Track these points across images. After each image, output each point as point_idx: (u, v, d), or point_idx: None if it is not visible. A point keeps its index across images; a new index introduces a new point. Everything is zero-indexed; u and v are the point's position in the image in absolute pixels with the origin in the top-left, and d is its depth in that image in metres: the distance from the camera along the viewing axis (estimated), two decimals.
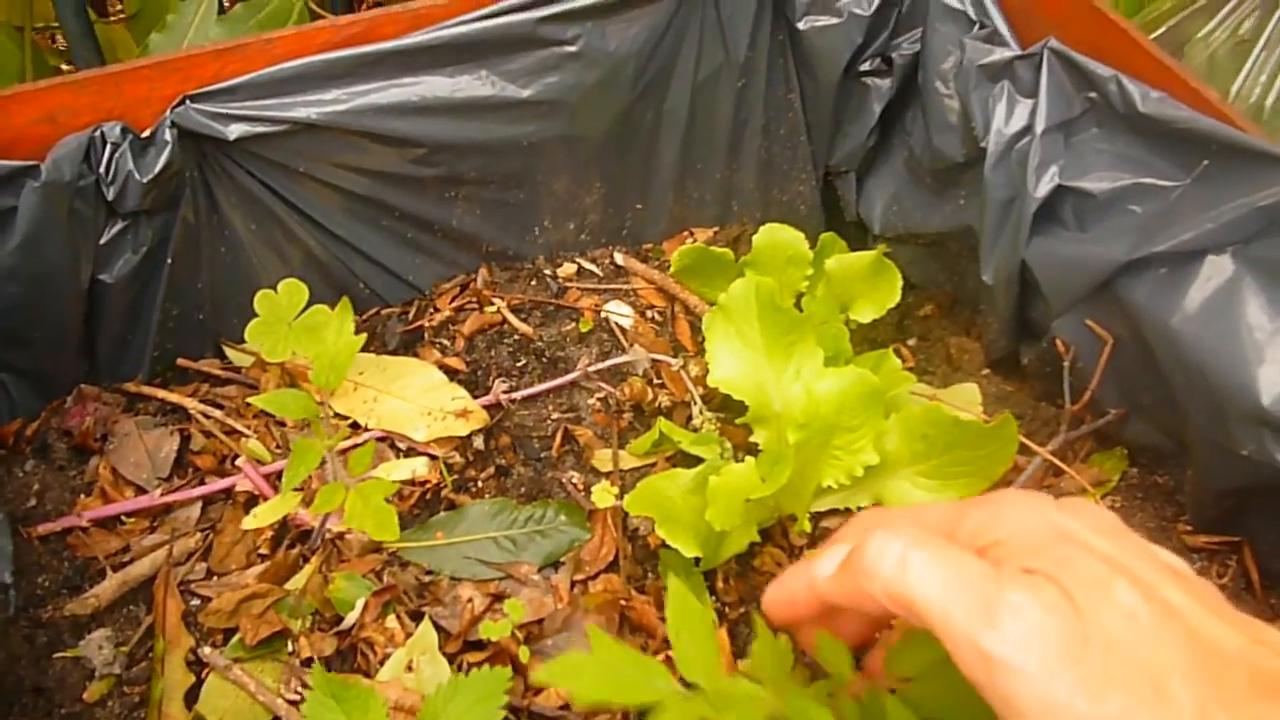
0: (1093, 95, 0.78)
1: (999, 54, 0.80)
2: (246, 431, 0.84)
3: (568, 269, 0.97)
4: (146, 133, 0.76)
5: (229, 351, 0.90)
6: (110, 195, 0.75)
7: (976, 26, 0.83)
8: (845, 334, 0.85)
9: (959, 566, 0.40)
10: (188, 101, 0.76)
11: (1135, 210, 0.76)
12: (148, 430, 0.84)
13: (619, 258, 0.98)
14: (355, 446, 0.80)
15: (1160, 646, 0.36)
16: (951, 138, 0.86)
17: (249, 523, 0.72)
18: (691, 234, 1.01)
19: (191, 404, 0.85)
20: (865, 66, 0.91)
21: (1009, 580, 0.39)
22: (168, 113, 0.76)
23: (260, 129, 0.78)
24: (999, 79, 0.81)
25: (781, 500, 0.75)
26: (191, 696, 0.69)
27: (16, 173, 0.72)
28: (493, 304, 0.93)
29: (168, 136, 0.75)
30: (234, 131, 0.78)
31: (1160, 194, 0.75)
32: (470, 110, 0.83)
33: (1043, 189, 0.78)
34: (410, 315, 0.94)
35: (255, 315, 0.88)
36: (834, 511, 0.80)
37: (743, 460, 0.79)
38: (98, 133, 0.74)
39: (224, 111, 0.77)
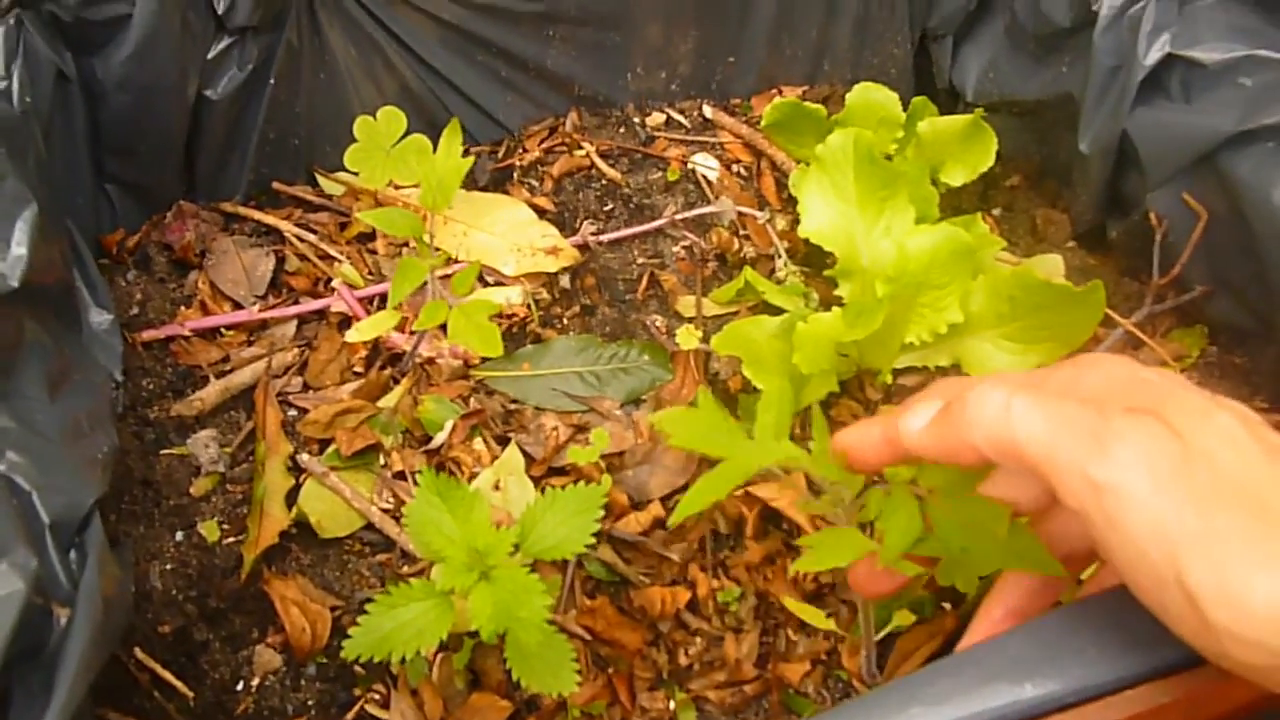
0: None
1: None
2: (339, 256, 0.86)
3: (656, 118, 0.97)
4: None
5: (321, 179, 0.92)
6: (220, 8, 0.76)
7: None
8: (935, 196, 0.85)
9: (1063, 406, 0.39)
10: None
11: (1245, 83, 0.75)
12: (244, 249, 0.86)
13: (708, 110, 0.98)
14: (453, 271, 0.82)
15: (1263, 464, 0.36)
16: (1059, 2, 0.84)
17: (351, 336, 0.74)
18: (780, 91, 1.01)
19: (286, 227, 0.87)
20: None
21: (1113, 415, 0.38)
22: None
23: None
24: None
25: (865, 352, 0.77)
26: (290, 499, 0.72)
27: None
28: (581, 148, 0.94)
29: None
30: None
31: (1273, 66, 0.74)
32: None
33: (1152, 56, 0.77)
34: (500, 154, 0.94)
35: (350, 143, 0.90)
36: (912, 369, 0.81)
37: (828, 312, 0.80)
38: None
39: None
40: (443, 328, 0.68)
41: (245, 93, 0.82)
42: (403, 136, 0.87)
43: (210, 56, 0.79)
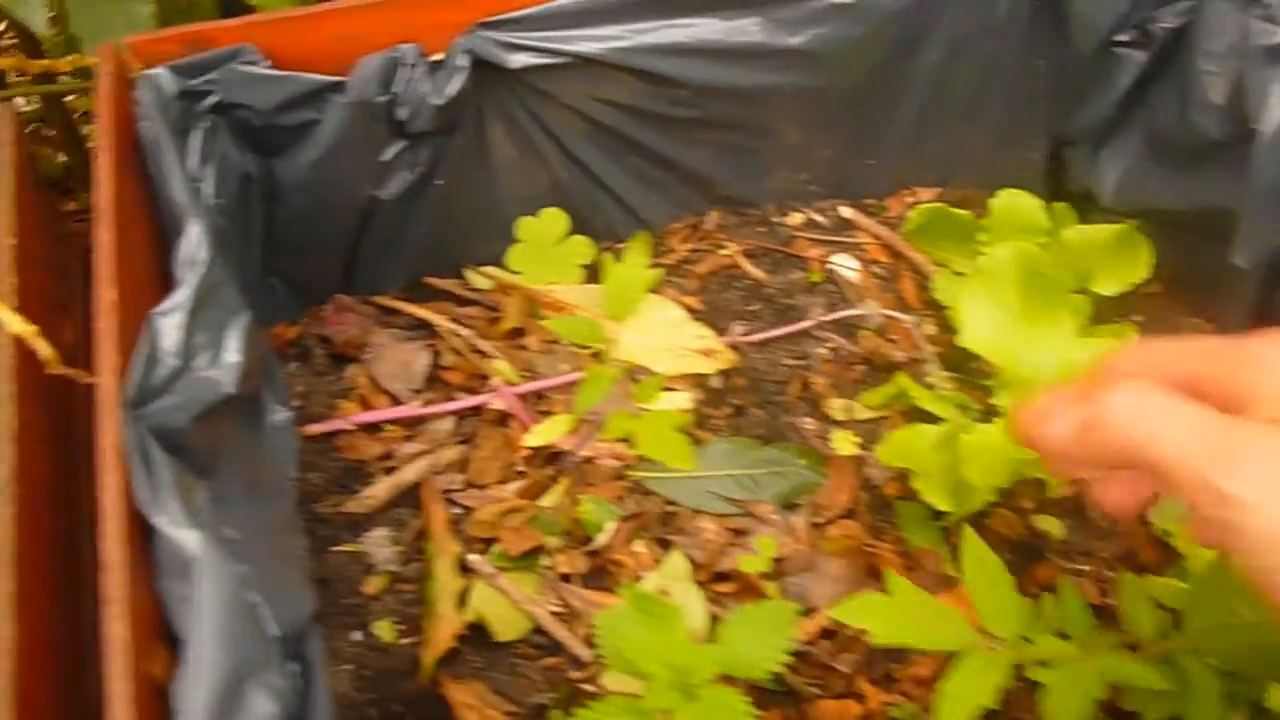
0: None
1: None
2: (493, 352, 0.87)
3: (795, 218, 0.99)
4: (437, 56, 0.78)
5: (469, 274, 0.93)
6: (402, 116, 0.78)
7: (1256, 5, 0.82)
8: (1086, 306, 0.86)
9: (1197, 415, 0.39)
10: (479, 29, 0.78)
11: None
12: (400, 343, 0.87)
13: (845, 211, 0.99)
14: (638, 378, 0.83)
15: None
16: (1212, 116, 0.85)
17: (531, 440, 0.75)
18: (914, 192, 1.02)
19: (441, 321, 0.88)
20: (1122, 38, 0.90)
21: (1252, 428, 0.38)
22: (461, 39, 0.78)
23: (541, 60, 0.80)
24: (1277, 60, 0.80)
25: (1033, 463, 0.77)
26: (460, 599, 0.73)
27: (324, 87, 0.75)
28: (725, 247, 0.95)
29: (461, 62, 0.78)
30: (517, 61, 0.80)
31: None
32: (738, 56, 0.84)
33: None
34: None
35: (497, 239, 0.92)
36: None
37: (986, 420, 0.81)
38: (396, 54, 0.77)
39: (511, 41, 0.79)
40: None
41: (412, 193, 0.84)
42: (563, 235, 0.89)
43: (384, 160, 0.81)
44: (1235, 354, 0.42)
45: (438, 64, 0.79)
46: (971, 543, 0.56)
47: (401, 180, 0.82)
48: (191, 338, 0.59)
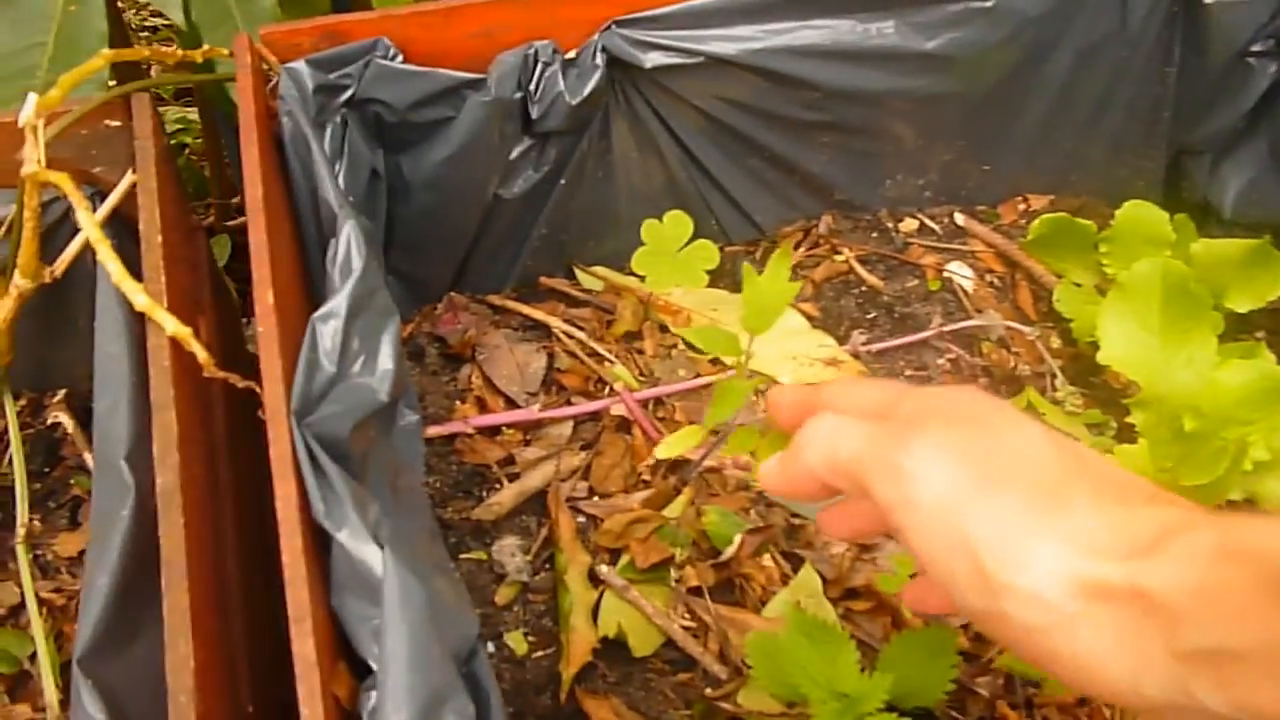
0: None
1: None
2: (609, 356, 0.85)
3: (909, 224, 0.97)
4: (571, 54, 0.77)
5: (580, 275, 0.91)
6: (535, 114, 0.76)
7: None
8: (1221, 323, 0.84)
9: (881, 423, 0.44)
10: (614, 26, 0.77)
11: None
12: (515, 344, 0.86)
13: (960, 218, 0.97)
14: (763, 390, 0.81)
15: (1062, 461, 0.40)
16: None
17: (661, 452, 0.73)
18: (1026, 199, 1.00)
19: (555, 322, 0.87)
20: (1258, 47, 0.88)
21: (923, 420, 0.42)
22: (596, 36, 0.76)
23: (675, 59, 0.79)
24: None
25: (1187, 488, 0.75)
26: (593, 612, 0.71)
27: (462, 85, 0.73)
28: (840, 253, 0.93)
29: (597, 60, 0.76)
30: (651, 60, 0.78)
31: None
32: (873, 59, 0.82)
33: None
34: (757, 255, 0.94)
35: (609, 239, 0.90)
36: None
37: (1118, 438, 0.79)
38: (532, 50, 0.75)
39: (645, 39, 0.77)
40: None
41: (536, 192, 0.82)
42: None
43: (511, 158, 0.79)
44: (904, 399, 0.46)
45: (572, 62, 0.77)
46: None
47: (526, 179, 0.81)
48: (349, 343, 0.58)
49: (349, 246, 0.60)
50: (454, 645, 0.52)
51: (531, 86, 0.76)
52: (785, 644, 0.58)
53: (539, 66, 0.75)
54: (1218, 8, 0.86)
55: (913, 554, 0.42)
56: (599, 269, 0.91)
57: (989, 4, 0.82)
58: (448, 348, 0.85)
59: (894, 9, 0.81)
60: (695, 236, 0.91)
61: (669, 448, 0.72)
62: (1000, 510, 0.39)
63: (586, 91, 0.76)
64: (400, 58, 0.73)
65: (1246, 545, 0.34)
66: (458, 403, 0.83)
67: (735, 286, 0.91)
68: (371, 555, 0.49)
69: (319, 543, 0.51)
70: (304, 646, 0.46)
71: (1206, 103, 0.93)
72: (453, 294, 0.87)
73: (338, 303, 0.58)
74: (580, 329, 0.87)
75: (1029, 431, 0.41)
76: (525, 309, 0.88)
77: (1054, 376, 0.86)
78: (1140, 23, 0.88)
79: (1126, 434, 0.80)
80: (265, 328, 0.57)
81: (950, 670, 0.59)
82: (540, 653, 0.70)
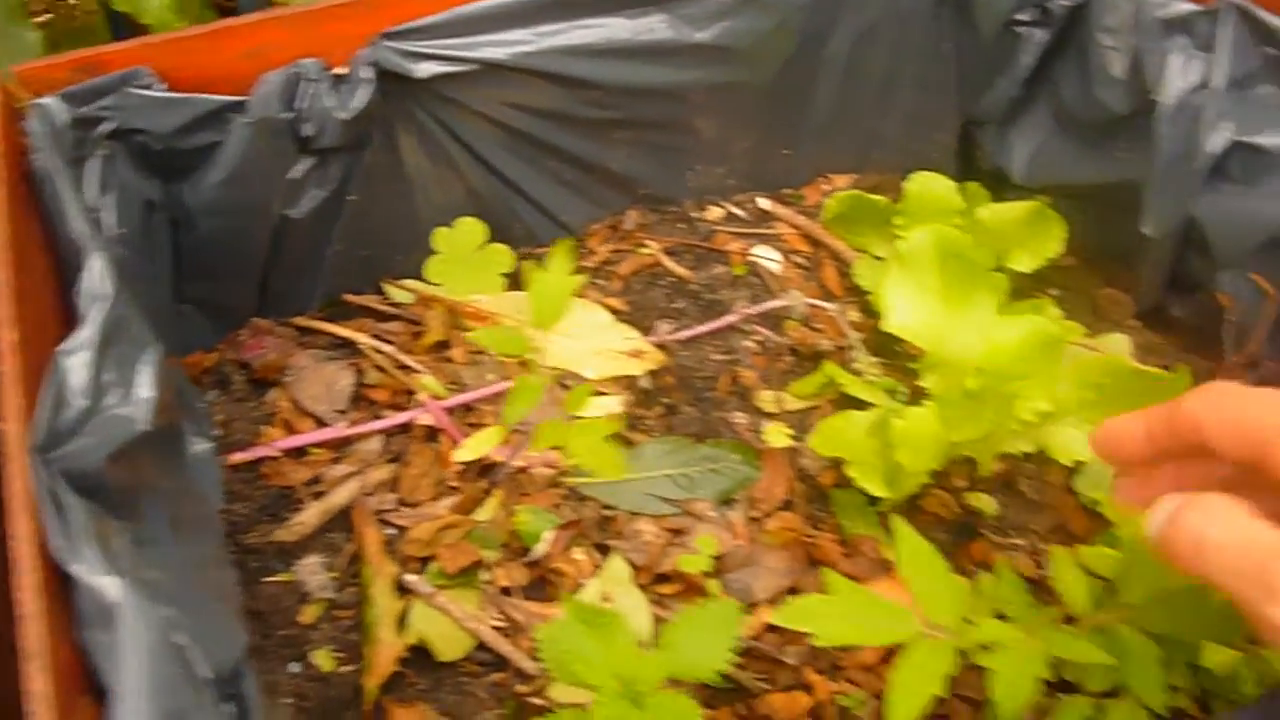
0: (1271, 50, 0.79)
1: (1176, 7, 0.81)
2: (417, 367, 0.86)
3: (714, 213, 0.99)
4: (341, 70, 0.77)
5: (388, 288, 0.92)
6: (307, 132, 0.76)
7: None
8: (1005, 284, 0.87)
9: (1251, 538, 0.42)
10: (382, 40, 0.77)
11: None
12: (322, 363, 0.85)
13: (763, 203, 1.00)
14: (567, 385, 0.82)
15: None
16: (1114, 90, 0.86)
17: (460, 455, 0.74)
18: (829, 179, 1.02)
19: (362, 339, 0.87)
20: (1022, 17, 0.92)
21: None
22: (365, 50, 0.76)
23: (448, 68, 0.79)
24: (1175, 33, 0.81)
25: (961, 444, 0.77)
26: (400, 621, 0.71)
27: (225, 107, 0.73)
28: (646, 246, 0.95)
29: (366, 74, 0.76)
30: (423, 70, 0.78)
31: None
32: (648, 54, 0.84)
33: (1216, 144, 0.80)
34: None
35: (415, 251, 0.90)
36: (998, 456, 0.82)
37: (914, 404, 0.81)
38: (297, 70, 0.75)
39: (415, 50, 0.78)
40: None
41: (325, 210, 0.82)
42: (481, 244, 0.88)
43: (292, 178, 0.79)
44: None
45: (342, 77, 0.77)
46: (903, 532, 0.56)
47: (313, 198, 0.81)
48: (100, 375, 0.57)
49: (97, 277, 0.60)
50: (215, 665, 0.52)
51: (300, 105, 0.75)
52: (563, 632, 0.59)
53: (306, 84, 0.75)
54: None
55: None
56: (408, 282, 0.91)
57: None
58: (253, 373, 0.84)
59: (662, 4, 0.82)
60: (502, 241, 0.92)
61: (469, 450, 0.73)
62: None
63: (357, 107, 0.76)
64: (163, 85, 0.73)
65: None
66: (265, 427, 0.82)
67: None
68: (109, 586, 0.49)
69: (63, 580, 0.50)
70: (38, 684, 0.46)
71: (986, 74, 0.96)
72: (256, 319, 0.87)
73: (85, 334, 0.58)
74: (389, 343, 0.87)
75: None
76: (331, 328, 0.88)
77: (854, 349, 0.88)
78: (910, 1, 0.91)
79: (923, 397, 0.82)
80: (9, 367, 0.56)
81: (731, 641, 0.60)
82: (347, 668, 0.70)
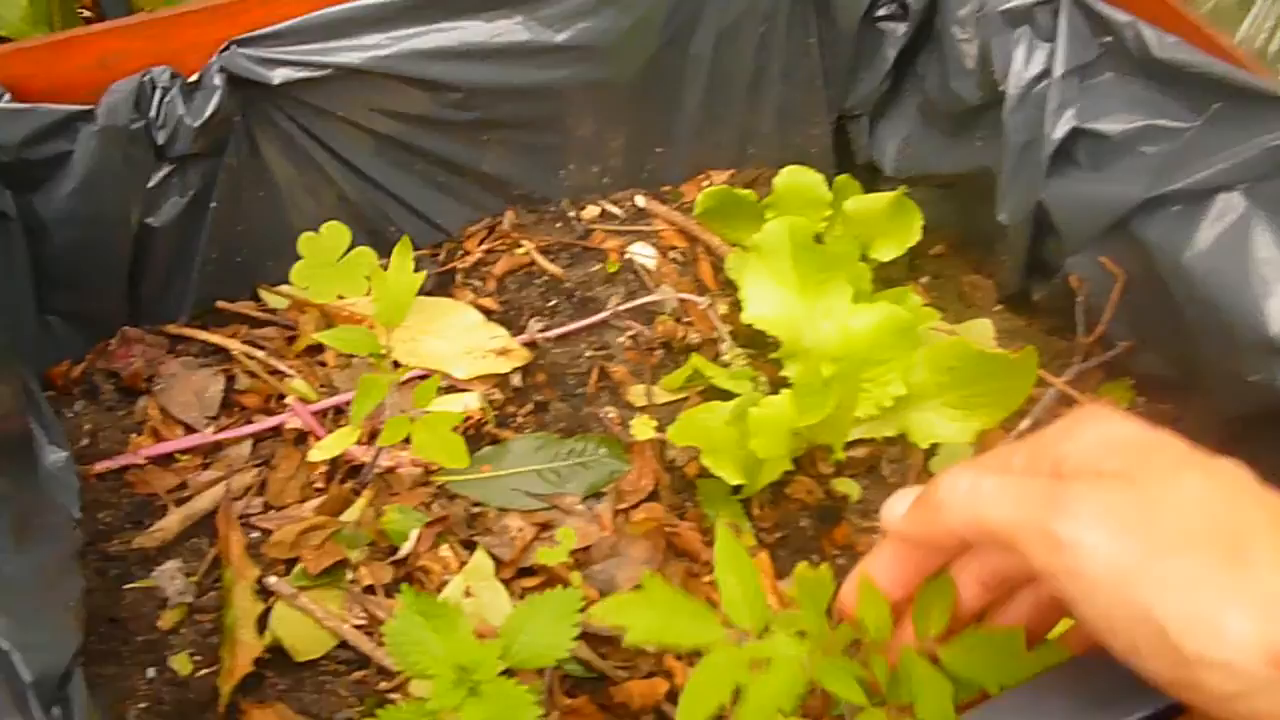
0: (1109, 40, 0.81)
1: (1019, 0, 0.83)
2: (289, 371, 0.86)
3: (591, 211, 1.00)
4: (194, 77, 0.77)
5: (264, 294, 0.92)
6: (160, 139, 0.77)
7: None
8: (867, 273, 0.89)
9: (1027, 481, 0.42)
10: (234, 46, 0.77)
11: (1149, 151, 0.80)
12: (193, 371, 0.86)
13: (640, 200, 1.01)
14: (415, 380, 0.83)
15: (1233, 510, 0.37)
16: (968, 82, 0.89)
17: (314, 455, 0.74)
18: (708, 176, 1.04)
19: (234, 345, 0.87)
20: (881, 12, 0.94)
21: (1075, 480, 0.40)
22: (216, 58, 0.77)
23: (304, 74, 0.80)
24: (1018, 24, 0.84)
25: (817, 431, 0.79)
26: (261, 623, 0.72)
27: (72, 117, 0.73)
28: (521, 246, 0.96)
29: (217, 81, 0.77)
30: (278, 76, 0.79)
31: (1173, 135, 0.79)
32: (506, 55, 0.85)
33: (1060, 131, 0.82)
34: (441, 257, 0.96)
35: (292, 258, 0.91)
36: (861, 441, 0.84)
37: (776, 393, 0.83)
38: (147, 78, 0.75)
39: (269, 56, 0.79)
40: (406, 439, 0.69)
41: (187, 217, 0.82)
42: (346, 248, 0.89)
43: (151, 186, 0.79)
44: (1042, 440, 0.44)
45: (194, 85, 0.77)
46: (723, 537, 0.56)
47: (174, 205, 0.81)
48: None
49: None
50: (38, 670, 0.52)
51: (152, 113, 0.76)
52: (404, 624, 0.60)
53: (158, 92, 0.76)
54: None
55: (1082, 622, 0.39)
56: (283, 287, 0.92)
57: None
58: (122, 382, 0.85)
59: (519, 6, 0.84)
60: (378, 245, 0.92)
61: (323, 450, 0.73)
62: (1179, 578, 0.36)
63: (208, 114, 0.76)
64: (7, 97, 0.73)
65: None
66: (135, 435, 0.82)
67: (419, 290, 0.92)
68: None
69: None
70: None
71: (851, 68, 0.98)
72: (127, 328, 0.87)
73: None
74: (262, 348, 0.88)
75: (1189, 481, 0.39)
76: (203, 335, 0.88)
77: (723, 341, 0.89)
78: (769, 0, 0.92)
79: (785, 387, 0.84)
80: None
81: (572, 630, 0.61)
82: (205, 671, 0.70)
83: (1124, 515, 0.38)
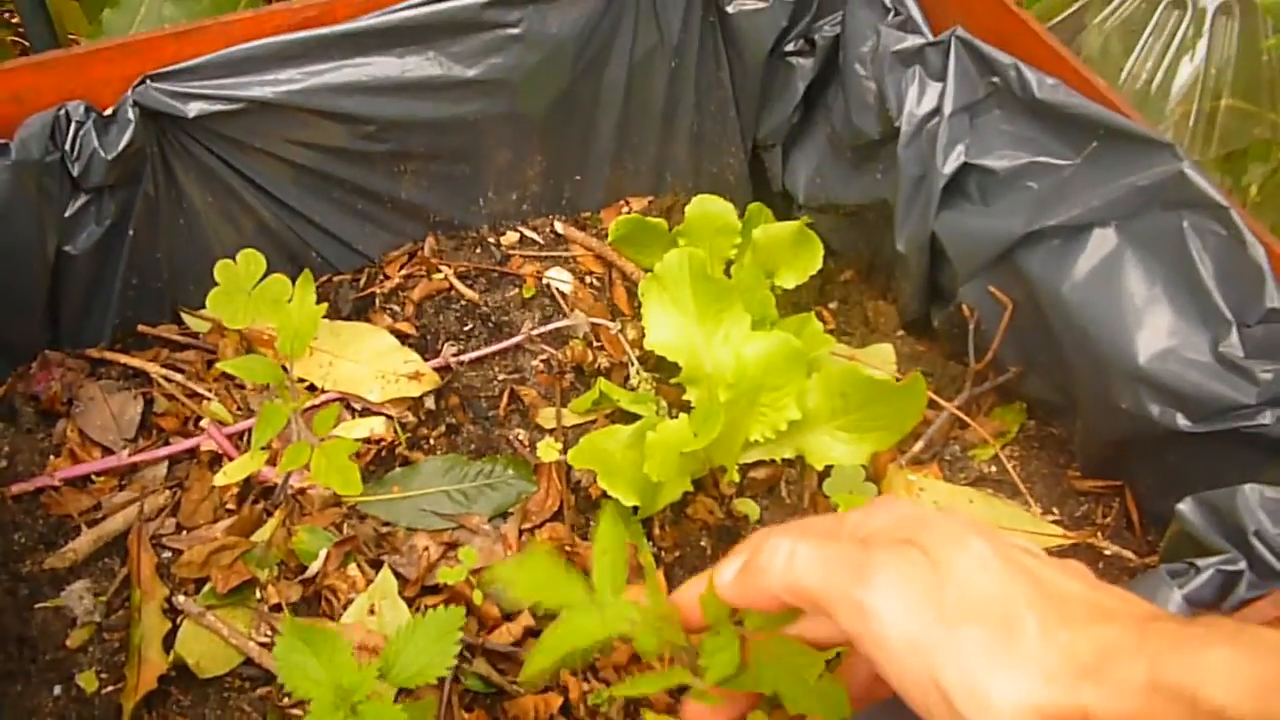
0: (995, 80, 0.85)
1: (911, 40, 0.87)
2: (207, 394, 0.88)
3: (510, 237, 1.03)
4: (109, 111, 0.80)
5: (187, 318, 0.94)
6: (75, 171, 0.79)
7: (892, 13, 0.90)
8: (771, 299, 0.92)
9: (837, 549, 0.45)
10: (148, 81, 0.80)
11: (1032, 186, 0.83)
12: (112, 394, 0.88)
13: (559, 226, 1.04)
14: (317, 407, 0.85)
15: (1008, 583, 0.42)
16: (869, 116, 0.92)
17: (220, 479, 0.77)
18: (627, 203, 1.07)
19: (153, 368, 0.89)
20: (790, 47, 0.97)
21: (877, 549, 0.44)
22: (129, 92, 0.79)
23: (218, 107, 0.82)
24: (911, 64, 0.87)
25: (713, 453, 0.82)
26: (168, 642, 0.74)
27: None
28: (440, 271, 0.98)
29: (130, 115, 0.79)
30: (193, 110, 0.82)
31: (1054, 172, 0.82)
32: (418, 90, 0.88)
33: (950, 166, 0.85)
34: (361, 282, 0.98)
35: (213, 284, 0.92)
36: (760, 463, 0.87)
37: (677, 417, 0.86)
38: (62, 111, 0.78)
39: (183, 90, 0.81)
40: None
41: (105, 245, 0.84)
42: (265, 273, 0.91)
43: (67, 215, 0.82)
44: (847, 521, 0.48)
45: (110, 118, 0.80)
46: (606, 515, 0.59)
47: (90, 234, 0.83)
48: None
49: None
50: None
51: (67, 146, 0.78)
52: (287, 648, 0.62)
53: (73, 126, 0.78)
54: (740, 16, 0.95)
55: (887, 681, 0.42)
56: (204, 311, 0.94)
57: (518, 30, 0.88)
58: (41, 405, 0.87)
59: (429, 42, 0.87)
60: (298, 271, 0.94)
61: (228, 475, 0.76)
62: (961, 648, 0.40)
63: (121, 146, 0.79)
64: None
65: (1174, 682, 0.37)
66: (52, 458, 0.84)
67: (336, 314, 0.95)
68: None
69: None
70: None
71: (763, 100, 1.02)
72: (47, 352, 0.89)
73: None
74: (181, 371, 0.90)
75: (973, 552, 0.42)
76: (123, 358, 0.90)
77: (632, 365, 0.92)
78: (678, 34, 0.96)
79: (686, 411, 0.87)
80: None
81: (453, 647, 0.64)
82: (111, 688, 0.72)
83: (916, 586, 0.42)
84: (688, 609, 0.53)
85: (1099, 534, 0.82)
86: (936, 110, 0.86)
